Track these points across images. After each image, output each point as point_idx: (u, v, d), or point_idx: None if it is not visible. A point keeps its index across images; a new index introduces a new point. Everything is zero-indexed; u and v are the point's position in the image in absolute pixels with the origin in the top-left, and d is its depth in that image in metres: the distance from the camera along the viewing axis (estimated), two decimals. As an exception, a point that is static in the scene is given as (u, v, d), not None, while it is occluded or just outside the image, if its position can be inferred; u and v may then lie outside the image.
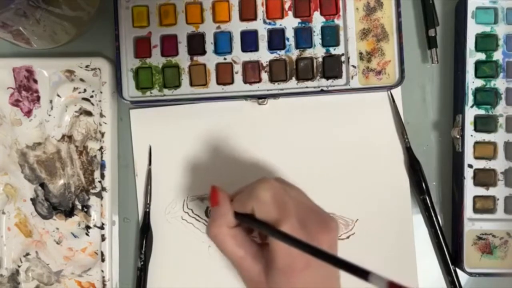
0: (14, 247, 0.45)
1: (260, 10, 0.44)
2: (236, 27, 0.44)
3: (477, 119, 0.44)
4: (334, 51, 0.44)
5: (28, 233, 0.45)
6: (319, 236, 0.34)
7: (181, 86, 0.44)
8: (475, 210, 0.44)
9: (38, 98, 0.44)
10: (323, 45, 0.44)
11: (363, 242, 0.45)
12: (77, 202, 0.45)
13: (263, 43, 0.44)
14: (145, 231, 0.45)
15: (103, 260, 0.44)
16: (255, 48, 0.44)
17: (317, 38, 0.44)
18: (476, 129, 0.44)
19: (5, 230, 0.45)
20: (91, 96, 0.45)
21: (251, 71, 0.44)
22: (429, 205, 0.44)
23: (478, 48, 0.44)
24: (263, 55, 0.44)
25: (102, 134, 0.44)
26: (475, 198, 0.44)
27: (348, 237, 0.45)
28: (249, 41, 0.44)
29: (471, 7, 0.43)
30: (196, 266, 0.45)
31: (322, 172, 0.45)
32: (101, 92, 0.44)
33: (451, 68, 0.46)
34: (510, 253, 0.44)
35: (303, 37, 0.44)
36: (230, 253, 0.36)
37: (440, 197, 0.46)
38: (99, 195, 0.44)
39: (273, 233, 0.33)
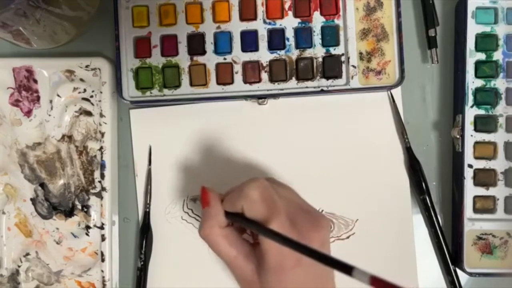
0: (14, 247, 0.45)
1: (260, 10, 0.44)
2: (236, 27, 0.44)
3: (477, 119, 0.44)
4: (334, 51, 0.44)
5: (28, 233, 0.45)
6: (310, 234, 0.34)
7: (181, 86, 0.44)
8: (475, 210, 0.44)
9: (38, 98, 0.44)
10: (323, 45, 0.44)
11: (363, 242, 0.45)
12: (77, 202, 0.45)
13: (263, 43, 0.44)
14: (145, 231, 0.45)
15: (103, 260, 0.44)
16: (255, 48, 0.44)
17: (317, 38, 0.44)
18: (476, 129, 0.44)
19: (5, 230, 0.45)
20: (91, 96, 0.45)
21: (251, 71, 0.44)
22: (429, 205, 0.44)
23: (478, 48, 0.44)
24: (263, 55, 0.44)
25: (102, 134, 0.44)
26: (475, 198, 0.44)
27: (348, 237, 0.45)
28: (249, 41, 0.44)
29: (471, 7, 0.43)
30: (196, 266, 0.45)
31: (322, 172, 0.45)
32: (101, 92, 0.44)
33: (451, 68, 0.46)
34: (510, 253, 0.44)
35: (303, 37, 0.44)
36: (223, 253, 0.36)
37: (440, 197, 0.46)
38: (99, 195, 0.44)
39: (263, 231, 0.33)
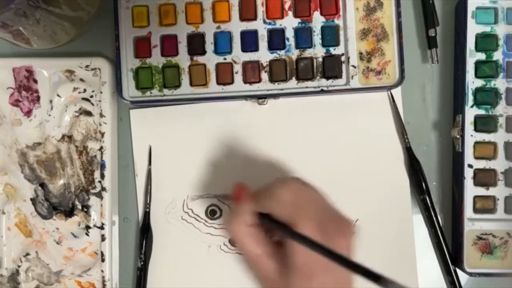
0: (14, 247, 0.45)
1: (260, 10, 0.44)
2: (236, 27, 0.44)
3: (477, 119, 0.44)
4: (334, 51, 0.44)
5: (28, 233, 0.45)
6: (338, 240, 0.34)
7: (181, 86, 0.44)
8: (475, 210, 0.44)
9: (38, 98, 0.44)
10: (323, 45, 0.44)
11: (363, 242, 0.45)
12: (77, 202, 0.45)
13: (263, 43, 0.44)
14: (145, 231, 0.45)
15: (103, 260, 0.44)
16: (255, 48, 0.44)
17: (317, 38, 0.44)
18: (476, 129, 0.44)
19: (5, 230, 0.45)
20: (91, 96, 0.45)
21: (251, 71, 0.44)
22: (429, 205, 0.44)
23: (478, 48, 0.44)
24: (263, 55, 0.44)
25: (102, 134, 0.44)
26: (475, 198, 0.44)
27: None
28: (249, 41, 0.44)
29: (471, 7, 0.43)
30: (196, 266, 0.45)
31: (322, 172, 0.45)
32: (101, 92, 0.44)
33: (451, 68, 0.46)
34: (510, 253, 0.44)
35: (303, 37, 0.44)
36: (247, 251, 0.36)
37: (440, 197, 0.46)
38: (99, 195, 0.44)
39: (291, 234, 0.33)
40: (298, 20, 0.44)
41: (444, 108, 0.46)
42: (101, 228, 0.44)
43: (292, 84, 0.44)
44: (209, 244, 0.45)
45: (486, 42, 0.44)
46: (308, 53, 0.44)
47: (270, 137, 0.45)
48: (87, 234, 0.45)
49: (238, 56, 0.44)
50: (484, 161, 0.44)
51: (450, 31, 0.46)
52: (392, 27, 0.44)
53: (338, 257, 0.30)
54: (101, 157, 0.44)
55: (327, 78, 0.44)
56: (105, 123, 0.44)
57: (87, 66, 0.44)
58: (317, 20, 0.44)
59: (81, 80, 0.45)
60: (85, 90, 0.45)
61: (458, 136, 0.44)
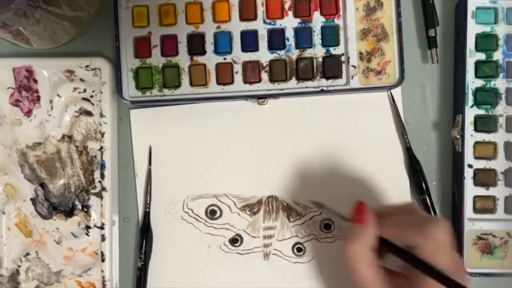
0: (14, 247, 0.45)
1: (260, 10, 0.44)
2: (236, 27, 0.44)
3: (477, 119, 0.44)
4: (334, 51, 0.44)
5: (28, 233, 0.45)
6: (463, 276, 0.34)
7: (181, 86, 0.44)
8: (475, 210, 0.44)
9: (38, 98, 0.45)
10: (323, 45, 0.44)
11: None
12: (77, 202, 0.45)
13: (263, 43, 0.44)
14: (145, 231, 0.45)
15: (103, 260, 0.44)
16: (255, 48, 0.44)
17: (317, 38, 0.44)
18: (476, 129, 0.44)
19: (5, 230, 0.45)
20: (91, 96, 0.45)
21: (251, 71, 0.44)
22: (429, 205, 0.44)
23: (478, 48, 0.44)
24: (263, 55, 0.44)
25: (102, 134, 0.44)
26: (475, 198, 0.44)
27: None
28: (249, 41, 0.44)
29: (471, 7, 0.43)
30: (196, 266, 0.45)
31: (322, 172, 0.45)
32: (101, 92, 0.44)
33: (451, 68, 0.46)
34: (510, 253, 0.44)
35: (303, 37, 0.44)
36: (362, 275, 0.35)
37: (440, 197, 0.46)
38: (99, 195, 0.44)
39: (421, 266, 0.33)
40: (298, 20, 0.44)
41: (444, 108, 0.46)
42: (101, 228, 0.44)
43: (292, 84, 0.44)
44: (209, 244, 0.45)
45: (486, 42, 0.44)
46: (308, 53, 0.44)
47: (270, 137, 0.45)
48: (87, 234, 0.45)
49: (238, 56, 0.44)
50: (484, 161, 0.44)
51: (450, 31, 0.46)
52: (392, 27, 0.44)
53: None
54: (101, 157, 0.44)
55: (327, 78, 0.44)
56: (105, 123, 0.44)
57: (87, 66, 0.44)
58: (317, 20, 0.44)
59: (81, 80, 0.45)
60: (85, 90, 0.45)
61: (458, 136, 0.44)
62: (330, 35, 0.44)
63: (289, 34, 0.44)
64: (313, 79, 0.44)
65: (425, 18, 0.45)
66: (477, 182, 0.44)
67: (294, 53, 0.44)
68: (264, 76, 0.44)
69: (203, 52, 0.44)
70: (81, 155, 0.45)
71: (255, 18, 0.44)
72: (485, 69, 0.44)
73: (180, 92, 0.44)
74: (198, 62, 0.44)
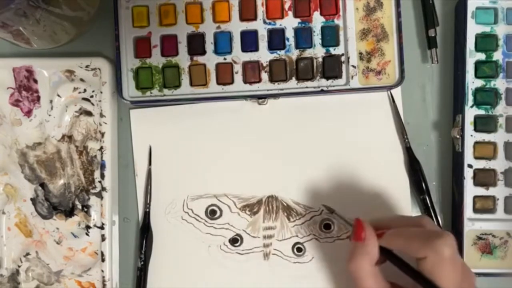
0: (14, 247, 0.45)
1: (260, 10, 0.44)
2: (236, 27, 0.44)
3: (477, 119, 0.44)
4: (334, 51, 0.44)
5: (28, 233, 0.45)
6: None
7: (181, 86, 0.44)
8: (475, 210, 0.44)
9: (38, 98, 0.45)
10: (323, 45, 0.44)
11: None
12: (77, 202, 0.45)
13: (263, 43, 0.44)
14: (145, 231, 0.45)
15: (103, 260, 0.44)
16: (255, 48, 0.44)
17: (317, 38, 0.44)
18: (476, 129, 0.44)
19: (5, 230, 0.45)
20: (91, 96, 0.45)
21: (251, 71, 0.44)
22: (429, 205, 0.44)
23: (478, 48, 0.44)
24: (263, 55, 0.44)
25: (102, 134, 0.44)
26: (475, 198, 0.44)
27: (348, 237, 0.45)
28: (249, 41, 0.44)
29: (471, 7, 0.43)
30: (196, 266, 0.45)
31: (322, 172, 0.45)
32: (101, 92, 0.44)
33: (451, 68, 0.46)
34: (510, 253, 0.44)
35: (303, 37, 0.44)
36: None
37: (440, 197, 0.46)
38: (99, 195, 0.44)
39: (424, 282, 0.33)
40: (298, 20, 0.44)
41: (444, 108, 0.46)
42: (101, 228, 0.44)
43: (292, 84, 0.44)
44: (209, 244, 0.45)
45: (486, 42, 0.44)
46: (308, 53, 0.44)
47: (270, 137, 0.46)
48: (87, 234, 0.45)
49: (238, 56, 0.44)
50: (484, 161, 0.44)
51: (450, 31, 0.46)
52: (392, 27, 0.44)
53: None
54: (101, 157, 0.44)
55: (327, 78, 0.44)
56: (105, 123, 0.44)
57: (87, 66, 0.44)
58: (317, 20, 0.44)
59: (81, 80, 0.45)
60: (85, 90, 0.45)
61: (458, 136, 0.44)
62: (330, 35, 0.44)
63: (289, 34, 0.44)
64: (313, 79, 0.44)
65: (425, 18, 0.45)
66: (477, 182, 0.44)
67: (294, 53, 0.44)
68: (264, 76, 0.44)
69: (203, 52, 0.44)
70: (81, 155, 0.45)
71: (255, 18, 0.44)
72: (485, 69, 0.44)
73: (180, 92, 0.44)
74: (198, 62, 0.44)
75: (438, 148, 0.46)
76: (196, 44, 0.44)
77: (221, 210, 0.46)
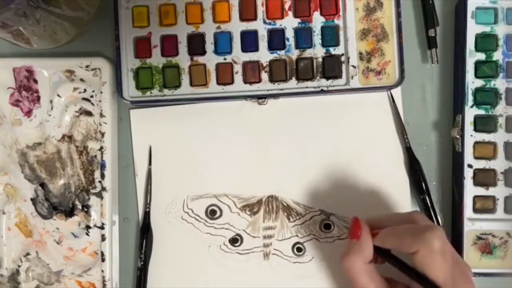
0: (14, 247, 0.45)
1: (260, 10, 0.44)
2: (236, 27, 0.44)
3: (477, 119, 0.44)
4: (334, 51, 0.44)
5: (28, 233, 0.45)
6: (466, 286, 0.35)
7: (181, 86, 0.44)
8: (475, 210, 0.44)
9: (38, 98, 0.45)
10: (323, 45, 0.44)
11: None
12: (77, 202, 0.45)
13: (263, 43, 0.44)
14: (145, 231, 0.45)
15: (103, 260, 0.44)
16: (255, 48, 0.44)
17: (317, 38, 0.44)
18: (476, 129, 0.44)
19: (5, 230, 0.45)
20: (91, 96, 0.45)
21: (251, 71, 0.44)
22: (429, 205, 0.44)
23: (478, 48, 0.44)
24: (263, 55, 0.44)
25: (102, 134, 0.44)
26: (475, 198, 0.44)
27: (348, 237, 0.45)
28: (249, 41, 0.44)
29: (471, 7, 0.43)
30: (196, 266, 0.45)
31: (322, 172, 0.45)
32: (101, 92, 0.44)
33: (451, 68, 0.46)
34: (510, 253, 0.44)
35: (303, 37, 0.44)
36: (361, 285, 0.36)
37: (440, 197, 0.46)
38: (99, 195, 0.44)
39: (419, 278, 0.34)
40: (298, 20, 0.44)
41: (444, 108, 0.46)
42: (101, 228, 0.44)
43: (292, 84, 0.44)
44: (209, 244, 0.45)
45: (486, 42, 0.44)
46: (308, 53, 0.44)
47: (270, 137, 0.46)
48: (87, 234, 0.45)
49: (238, 56, 0.44)
50: (484, 161, 0.44)
51: (450, 31, 0.46)
52: (392, 27, 0.44)
53: None
54: (101, 157, 0.44)
55: (327, 78, 0.44)
56: (105, 123, 0.44)
57: (87, 66, 0.44)
58: (317, 20, 0.44)
59: (81, 80, 0.45)
60: (85, 90, 0.45)
61: (458, 136, 0.44)
62: (330, 35, 0.44)
63: (289, 34, 0.44)
64: (313, 79, 0.44)
65: (425, 18, 0.45)
66: (477, 182, 0.44)
67: (294, 53, 0.44)
68: (264, 76, 0.44)
69: (203, 52, 0.44)
70: (81, 155, 0.45)
71: (255, 18, 0.44)
72: (485, 69, 0.44)
73: (180, 92, 0.44)
74: (198, 62, 0.44)
75: (438, 148, 0.46)
76: (196, 44, 0.44)
77: (221, 210, 0.46)
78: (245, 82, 0.44)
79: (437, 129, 0.46)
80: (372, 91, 0.44)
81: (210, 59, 0.44)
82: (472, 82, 0.44)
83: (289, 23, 0.44)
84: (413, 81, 0.46)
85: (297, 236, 0.45)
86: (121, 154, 0.46)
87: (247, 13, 0.44)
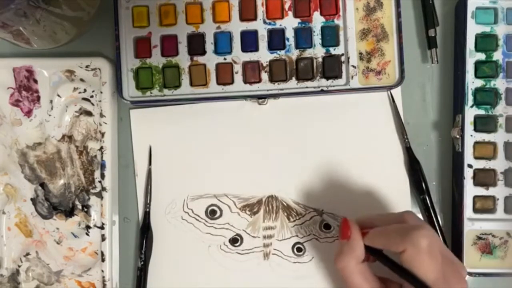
0: (14, 247, 0.45)
1: (260, 10, 0.44)
2: (236, 27, 0.44)
3: (477, 119, 0.44)
4: (334, 51, 0.44)
5: (28, 233, 0.45)
6: (459, 286, 0.35)
7: (181, 86, 0.44)
8: (475, 210, 0.44)
9: (38, 98, 0.45)
10: (323, 45, 0.44)
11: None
12: (77, 202, 0.45)
13: (263, 43, 0.44)
14: (145, 231, 0.45)
15: (103, 260, 0.44)
16: (255, 48, 0.44)
17: (317, 38, 0.44)
18: (476, 129, 0.44)
19: (5, 230, 0.45)
20: (91, 96, 0.45)
21: (251, 71, 0.44)
22: (429, 205, 0.44)
23: (478, 48, 0.44)
24: (263, 55, 0.44)
25: (102, 134, 0.44)
26: (475, 198, 0.44)
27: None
28: (249, 41, 0.44)
29: (471, 7, 0.43)
30: (196, 266, 0.45)
31: (322, 172, 0.45)
32: (101, 92, 0.44)
33: (451, 68, 0.46)
34: (510, 253, 0.44)
35: (303, 37, 0.44)
36: (354, 285, 0.37)
37: (440, 197, 0.46)
38: (99, 195, 0.44)
39: (409, 278, 0.34)
40: (298, 20, 0.44)
41: (444, 108, 0.46)
42: (101, 228, 0.44)
43: (292, 84, 0.44)
44: (209, 244, 0.45)
45: (486, 42, 0.44)
46: (308, 53, 0.44)
47: (270, 137, 0.46)
48: (87, 234, 0.45)
49: (238, 56, 0.44)
50: (484, 161, 0.44)
51: (450, 31, 0.46)
52: (392, 27, 0.44)
53: None
54: (101, 157, 0.44)
55: (327, 78, 0.44)
56: (105, 123, 0.44)
57: (87, 66, 0.44)
58: (317, 20, 0.44)
59: (81, 80, 0.45)
60: (85, 90, 0.45)
61: (458, 136, 0.44)
62: (330, 35, 0.44)
63: (289, 34, 0.44)
64: (313, 79, 0.44)
65: (425, 18, 0.45)
66: (477, 182, 0.44)
67: (294, 53, 0.44)
68: (264, 76, 0.44)
69: (203, 52, 0.44)
70: (81, 155, 0.45)
71: (255, 18, 0.44)
72: (485, 69, 0.44)
73: (180, 92, 0.44)
74: (198, 62, 0.44)
75: (438, 148, 0.46)
76: (196, 44, 0.44)
77: (221, 210, 0.46)
78: (245, 82, 0.44)
79: (437, 129, 0.46)
80: (372, 91, 0.44)
81: (210, 59, 0.44)
82: (472, 82, 0.44)
83: (289, 23, 0.44)
84: (413, 81, 0.46)
85: (297, 236, 0.45)
86: (121, 154, 0.46)
87: (247, 13, 0.44)
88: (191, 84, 0.44)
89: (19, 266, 0.45)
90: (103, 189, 0.44)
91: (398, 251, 0.35)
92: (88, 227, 0.45)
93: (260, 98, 0.44)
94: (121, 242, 0.46)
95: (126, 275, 0.46)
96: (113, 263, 0.44)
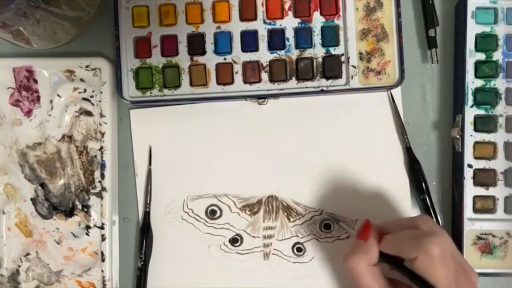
0: (14, 247, 0.45)
1: (260, 10, 0.44)
2: (236, 27, 0.44)
3: (477, 119, 0.44)
4: (334, 51, 0.44)
5: (28, 233, 0.45)
6: None
7: (181, 86, 0.44)
8: (475, 210, 0.44)
9: (38, 98, 0.45)
10: (323, 45, 0.44)
11: (363, 242, 0.45)
12: (77, 202, 0.45)
13: (263, 43, 0.44)
14: (145, 231, 0.45)
15: (103, 260, 0.44)
16: (255, 48, 0.44)
17: (317, 38, 0.44)
18: (476, 129, 0.44)
19: (5, 230, 0.45)
20: (91, 96, 0.45)
21: (251, 71, 0.44)
22: (429, 205, 0.44)
23: (478, 48, 0.44)
24: (263, 55, 0.44)
25: (102, 134, 0.44)
26: (475, 198, 0.44)
27: (348, 237, 0.45)
28: (249, 41, 0.44)
29: (471, 7, 0.43)
30: (196, 266, 0.45)
31: (322, 172, 0.45)
32: (101, 92, 0.44)
33: (451, 68, 0.46)
34: (510, 253, 0.44)
35: (303, 37, 0.44)
36: (363, 286, 0.37)
37: (440, 197, 0.46)
38: (99, 195, 0.44)
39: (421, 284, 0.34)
40: (298, 20, 0.44)
41: (444, 108, 0.46)
42: (101, 228, 0.44)
43: (292, 84, 0.44)
44: (209, 244, 0.45)
45: (486, 42, 0.44)
46: (308, 53, 0.44)
47: (270, 137, 0.46)
48: (87, 234, 0.45)
49: (238, 56, 0.44)
50: (484, 161, 0.44)
51: (450, 31, 0.46)
52: (392, 27, 0.44)
53: None
54: (101, 157, 0.44)
55: (327, 78, 0.44)
56: (105, 123, 0.44)
57: (87, 66, 0.44)
58: (317, 20, 0.44)
59: (81, 80, 0.45)
60: (85, 90, 0.45)
61: (458, 136, 0.44)
62: (330, 35, 0.44)
63: (289, 34, 0.44)
64: (313, 79, 0.44)
65: (425, 18, 0.45)
66: (477, 182, 0.44)
67: (294, 53, 0.44)
68: (264, 76, 0.44)
69: (203, 52, 0.44)
70: (81, 155, 0.45)
71: (255, 18, 0.44)
72: (485, 69, 0.44)
73: (180, 92, 0.44)
74: (198, 62, 0.44)
75: (438, 148, 0.46)
76: (196, 44, 0.44)
77: (221, 210, 0.46)
78: (245, 82, 0.44)
79: (437, 129, 0.46)
80: (372, 91, 0.44)
81: (210, 59, 0.44)
82: (472, 82, 0.44)
83: (289, 23, 0.44)
84: (413, 81, 0.46)
85: (297, 236, 0.45)
86: (121, 154, 0.46)
87: (247, 13, 0.44)
88: (191, 84, 0.44)
89: (19, 266, 0.45)
90: (103, 189, 0.44)
91: (410, 258, 0.35)
92: (88, 227, 0.45)
93: (260, 98, 0.44)
94: (121, 242, 0.46)
95: (126, 275, 0.46)
96: (113, 263, 0.44)
